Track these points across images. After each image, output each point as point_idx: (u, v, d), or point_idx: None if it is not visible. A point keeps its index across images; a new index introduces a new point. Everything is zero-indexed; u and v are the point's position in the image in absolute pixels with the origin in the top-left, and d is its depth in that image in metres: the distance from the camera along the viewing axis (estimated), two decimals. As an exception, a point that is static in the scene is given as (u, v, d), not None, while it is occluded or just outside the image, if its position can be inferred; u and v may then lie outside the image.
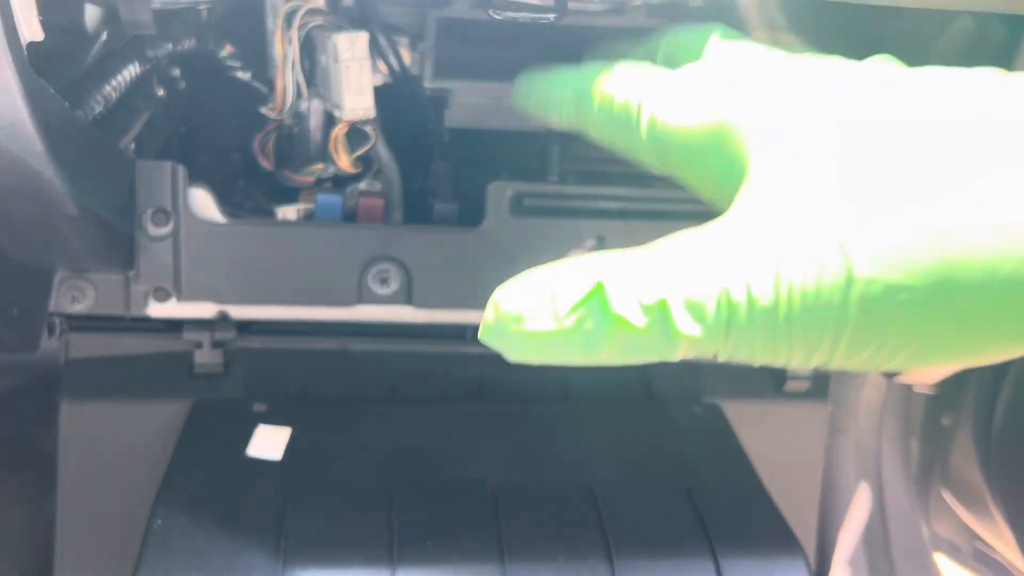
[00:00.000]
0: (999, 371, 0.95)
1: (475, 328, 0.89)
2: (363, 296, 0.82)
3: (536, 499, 0.75)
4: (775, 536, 0.74)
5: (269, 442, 0.78)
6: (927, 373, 0.94)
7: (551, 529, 0.72)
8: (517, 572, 0.67)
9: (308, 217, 0.87)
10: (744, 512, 0.76)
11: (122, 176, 0.76)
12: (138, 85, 0.78)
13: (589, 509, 0.74)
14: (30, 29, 0.56)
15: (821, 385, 0.95)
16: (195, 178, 0.82)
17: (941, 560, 1.23)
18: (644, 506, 0.75)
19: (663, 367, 0.91)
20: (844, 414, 1.06)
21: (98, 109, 0.74)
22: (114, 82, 0.75)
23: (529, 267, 0.82)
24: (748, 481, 0.81)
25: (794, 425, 0.94)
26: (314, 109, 0.88)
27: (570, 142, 0.90)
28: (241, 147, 0.92)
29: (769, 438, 0.93)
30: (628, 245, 0.82)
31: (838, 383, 1.04)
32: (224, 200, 0.85)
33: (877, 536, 1.05)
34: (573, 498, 0.75)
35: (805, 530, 0.95)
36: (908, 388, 1.07)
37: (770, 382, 0.95)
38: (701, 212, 0.82)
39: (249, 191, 0.91)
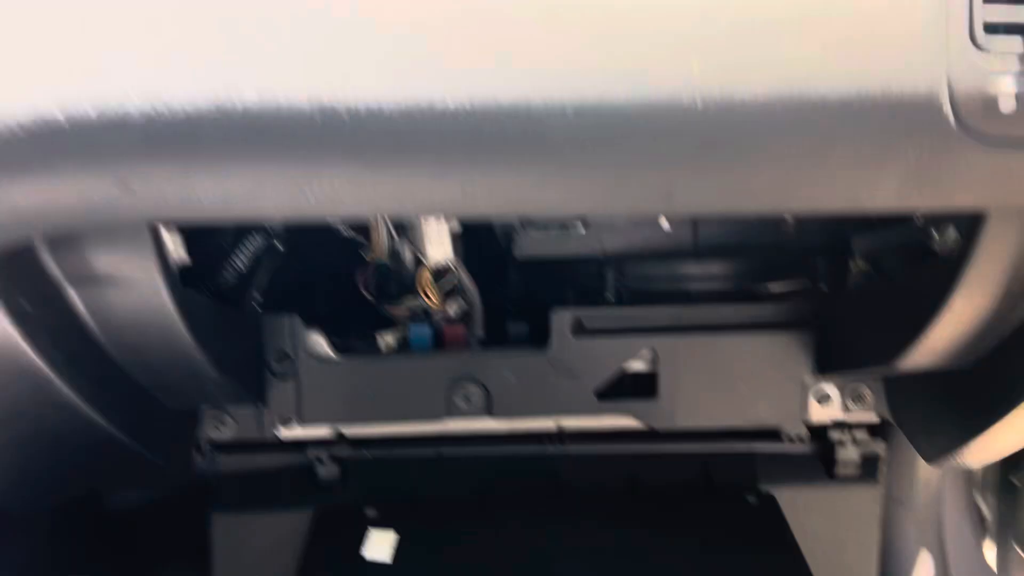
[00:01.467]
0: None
1: (548, 433, 1.03)
2: (450, 411, 0.96)
3: (605, 591, 0.87)
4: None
5: (379, 545, 0.94)
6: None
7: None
8: None
9: (403, 341, 1.02)
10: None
11: (251, 331, 0.93)
12: (262, 246, 0.95)
13: (652, 600, 0.85)
14: (178, 255, 0.73)
15: (870, 468, 1.03)
16: (312, 314, 0.99)
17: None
18: (701, 595, 0.86)
19: (723, 459, 1.02)
20: (903, 487, 1.13)
21: (231, 279, 0.92)
22: (242, 256, 0.92)
23: (591, 380, 0.95)
24: (796, 569, 0.90)
25: (846, 506, 1.02)
26: (406, 252, 1.04)
27: (624, 264, 1.02)
28: (348, 286, 1.09)
29: (823, 520, 1.02)
30: (677, 358, 0.95)
31: (895, 459, 1.12)
32: (335, 329, 1.02)
33: (942, 602, 1.12)
34: (640, 589, 0.87)
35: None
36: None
37: (821, 468, 1.04)
38: (744, 323, 0.93)
39: (356, 321, 1.07)
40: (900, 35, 0.51)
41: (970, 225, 0.67)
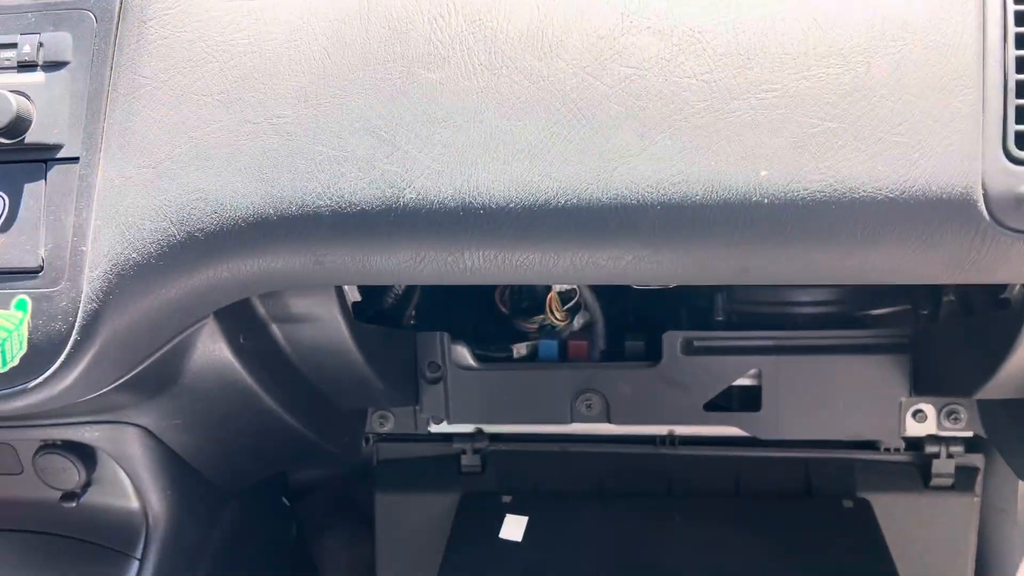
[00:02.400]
0: None
1: (662, 436, 1.15)
2: (574, 417, 1.11)
3: (707, 579, 1.00)
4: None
5: (513, 528, 1.10)
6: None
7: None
8: None
9: (534, 353, 1.17)
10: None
11: (408, 345, 1.11)
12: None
13: (748, 592, 0.98)
14: (353, 295, 0.91)
15: (967, 478, 1.10)
16: (456, 325, 1.16)
17: None
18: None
19: (822, 466, 1.12)
20: (1005, 496, 1.18)
21: (391, 301, 1.10)
22: (400, 285, 1.10)
23: (700, 393, 1.07)
24: (885, 570, 1.00)
25: (941, 515, 1.10)
26: (535, 274, 1.19)
27: (734, 289, 1.13)
28: (487, 304, 1.25)
29: (916, 527, 1.10)
30: (780, 376, 1.05)
31: (996, 469, 1.17)
32: (476, 339, 1.18)
33: (1045, 607, 1.17)
34: (737, 581, 0.99)
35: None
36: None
37: (918, 478, 1.11)
38: (843, 347, 1.02)
39: (494, 333, 1.23)
40: (943, 143, 0.61)
41: (1031, 283, 0.75)
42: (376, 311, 1.08)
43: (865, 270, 0.67)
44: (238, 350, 0.83)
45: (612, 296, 1.28)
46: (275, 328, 0.88)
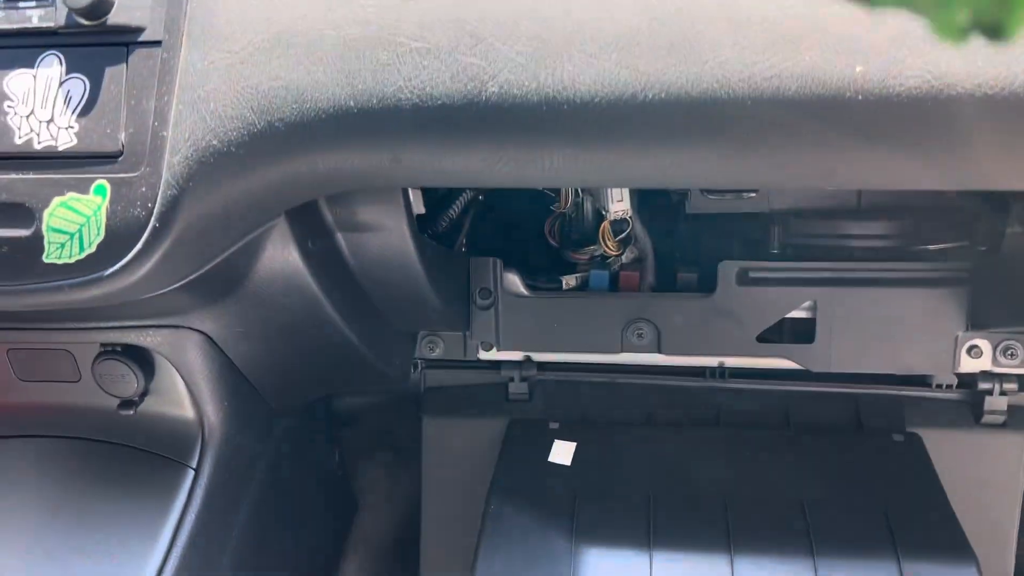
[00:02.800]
0: None
1: (712, 368, 1.15)
2: (624, 346, 1.11)
3: (757, 507, 1.00)
4: (953, 548, 0.93)
5: (562, 452, 1.11)
6: None
7: (768, 532, 0.96)
8: (740, 562, 0.94)
9: (584, 285, 1.17)
10: (928, 525, 0.96)
11: (461, 269, 1.11)
12: (470, 199, 1.12)
13: (799, 518, 0.98)
14: (418, 207, 0.91)
15: (1019, 417, 1.10)
16: (508, 257, 1.15)
17: None
18: (844, 518, 0.97)
19: (873, 401, 1.12)
20: (1054, 439, 1.18)
21: (445, 224, 1.10)
22: (455, 206, 1.09)
23: (753, 325, 1.06)
24: (937, 501, 0.99)
25: (991, 451, 1.10)
26: (588, 205, 1.18)
27: (789, 221, 1.12)
28: (538, 234, 1.24)
29: (966, 464, 1.10)
30: (835, 309, 1.04)
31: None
32: (526, 270, 1.18)
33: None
34: (787, 509, 0.99)
35: (1003, 544, 1.10)
36: None
37: (969, 415, 1.11)
38: (899, 280, 1.01)
39: (543, 264, 1.23)
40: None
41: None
42: (431, 234, 1.08)
43: (959, 174, 0.66)
44: (306, 255, 0.83)
45: (663, 229, 1.27)
46: (340, 237, 0.88)
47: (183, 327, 0.90)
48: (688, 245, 1.24)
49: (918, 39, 0.61)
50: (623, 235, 1.17)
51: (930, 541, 0.94)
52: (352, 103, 0.68)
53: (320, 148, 0.70)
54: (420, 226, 1.02)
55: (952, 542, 0.94)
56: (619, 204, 1.12)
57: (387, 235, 0.87)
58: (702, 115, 0.65)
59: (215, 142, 0.68)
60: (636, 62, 0.65)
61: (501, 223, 1.29)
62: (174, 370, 0.94)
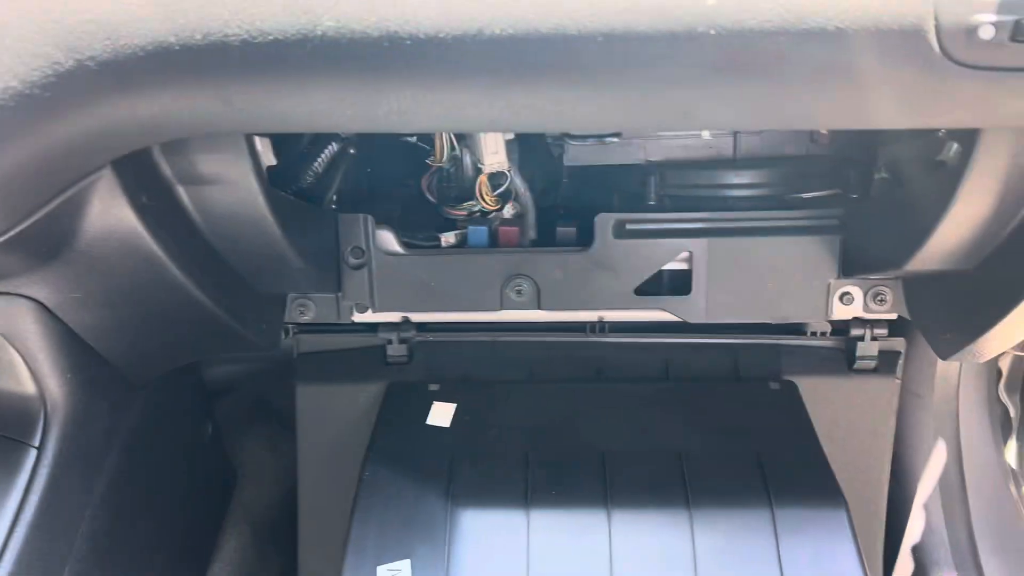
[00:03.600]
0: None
1: (592, 323, 1.14)
2: (504, 303, 1.08)
3: (635, 460, 0.99)
4: (824, 491, 0.94)
5: (441, 415, 1.07)
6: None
7: (644, 484, 0.96)
8: (617, 516, 0.93)
9: (463, 242, 1.13)
10: (800, 471, 0.97)
11: (329, 227, 1.05)
12: (337, 151, 1.07)
13: (675, 469, 0.97)
14: (268, 158, 0.85)
15: (889, 362, 1.12)
16: (381, 214, 1.10)
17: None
18: (719, 467, 0.98)
19: (750, 350, 1.12)
20: (922, 381, 1.21)
21: (310, 180, 1.04)
22: (319, 160, 1.03)
23: (631, 278, 1.05)
24: (809, 446, 1.01)
25: (863, 397, 1.12)
26: (466, 159, 1.14)
27: (666, 172, 1.10)
28: (414, 190, 1.19)
29: (839, 409, 1.11)
30: (711, 259, 1.04)
31: (915, 355, 1.20)
32: (403, 228, 1.13)
33: (954, 485, 1.21)
34: (664, 460, 0.99)
35: (875, 484, 1.13)
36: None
37: (843, 361, 1.13)
38: (774, 228, 1.01)
39: (421, 222, 1.18)
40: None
41: (969, 140, 0.74)
42: (294, 191, 1.02)
43: (813, 111, 0.64)
44: (141, 210, 0.76)
45: (544, 183, 1.24)
46: (182, 191, 0.81)
47: (12, 294, 0.82)
48: (570, 199, 1.21)
49: (770, -30, 0.59)
50: (501, 189, 1.13)
51: (802, 487, 0.95)
52: (173, 39, 0.62)
53: (140, 90, 0.64)
54: (281, 181, 0.96)
55: (823, 487, 0.95)
56: (494, 156, 1.08)
57: (233, 188, 0.81)
58: (553, 51, 0.61)
59: (15, 84, 0.61)
60: (482, -4, 0.61)
61: (376, 179, 1.24)
62: (7, 342, 0.86)
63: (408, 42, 0.61)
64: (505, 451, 1.02)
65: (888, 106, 0.62)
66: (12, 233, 0.69)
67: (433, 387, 1.12)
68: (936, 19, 0.58)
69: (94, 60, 0.61)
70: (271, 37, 0.62)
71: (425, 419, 1.07)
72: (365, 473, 1.00)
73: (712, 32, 0.60)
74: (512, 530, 0.92)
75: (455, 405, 1.08)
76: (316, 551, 1.16)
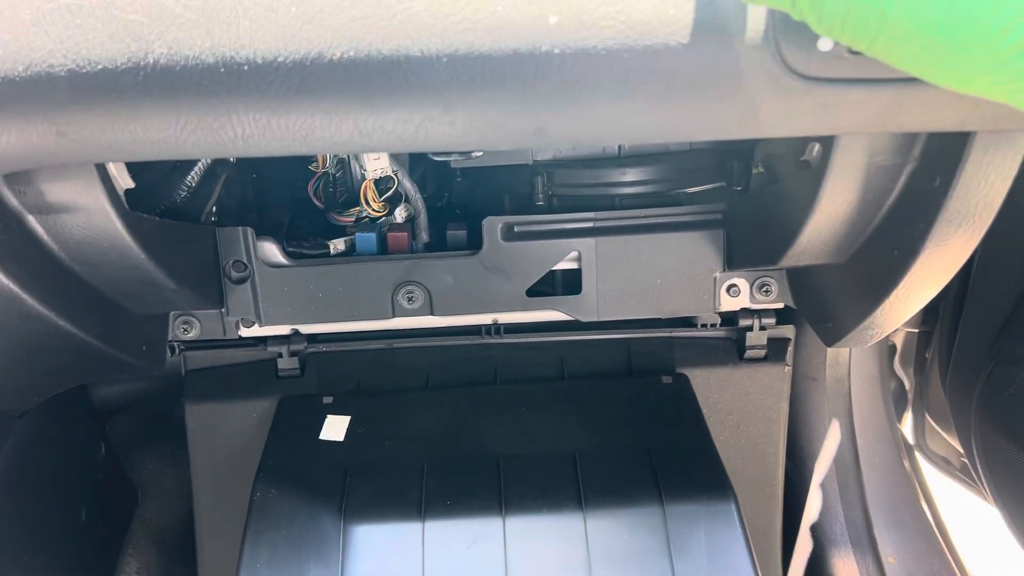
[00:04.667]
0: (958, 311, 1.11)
1: (487, 326, 1.13)
2: (396, 311, 1.06)
3: (530, 464, 0.99)
4: (713, 484, 0.96)
5: (335, 428, 1.05)
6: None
7: (539, 488, 0.96)
8: (512, 522, 0.92)
9: (352, 247, 1.11)
10: (690, 464, 0.98)
11: (207, 242, 1.02)
12: (211, 163, 1.03)
13: (569, 470, 0.98)
14: (124, 181, 0.81)
15: (778, 349, 1.14)
16: (268, 223, 1.07)
17: (933, 474, 1.41)
18: (612, 465, 0.98)
19: (643, 345, 1.13)
20: (815, 366, 1.24)
21: (184, 194, 1.00)
22: (192, 173, 1.00)
23: (522, 280, 1.04)
24: (699, 438, 1.02)
25: (754, 384, 1.14)
26: (354, 163, 1.11)
27: (554, 172, 1.10)
28: (299, 196, 1.16)
29: (732, 398, 1.13)
30: (599, 258, 1.04)
31: (806, 340, 1.23)
32: (291, 236, 1.10)
33: (848, 462, 1.25)
34: (558, 462, 0.99)
35: (771, 469, 1.16)
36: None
37: (734, 352, 1.14)
38: (660, 225, 1.01)
39: (311, 228, 1.15)
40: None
41: (828, 141, 0.75)
42: (167, 206, 0.98)
43: (662, 125, 0.64)
44: None
45: (438, 183, 1.22)
46: (33, 220, 0.77)
47: None
48: (463, 198, 1.20)
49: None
50: (389, 193, 1.11)
51: (691, 480, 0.96)
52: (-7, 71, 0.58)
53: (-38, 124, 0.60)
54: (145, 202, 0.93)
55: (712, 480, 0.96)
56: (376, 162, 1.06)
57: (87, 215, 0.77)
58: (398, 74, 0.60)
59: None
60: (319, 16, 0.59)
61: (259, 188, 1.21)
62: None
63: (246, 67, 0.59)
64: (401, 462, 1.01)
65: (733, 118, 0.62)
66: None
67: (327, 400, 1.10)
68: (775, 32, 0.58)
69: (-95, 95, 0.58)
70: (100, 66, 0.59)
71: (319, 433, 1.05)
72: (256, 493, 0.98)
73: (556, 51, 0.59)
74: (407, 544, 0.91)
75: (349, 417, 1.07)
76: (215, 570, 1.14)
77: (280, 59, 0.59)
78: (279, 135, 0.64)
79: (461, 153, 0.99)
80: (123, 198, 0.80)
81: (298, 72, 0.59)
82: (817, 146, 0.81)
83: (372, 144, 0.65)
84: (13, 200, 0.75)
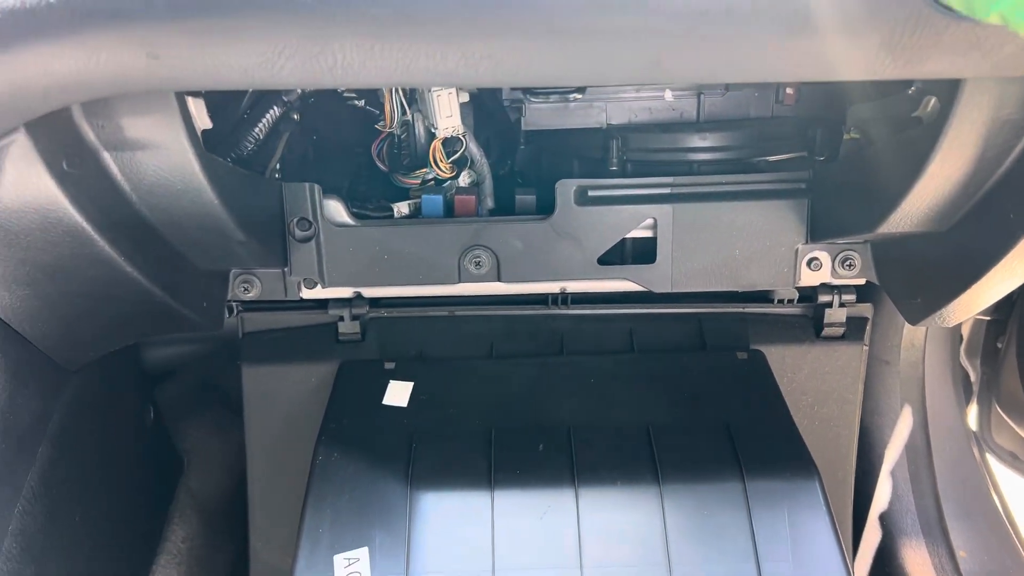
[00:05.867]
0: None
1: (554, 295, 1.09)
2: (462, 276, 1.03)
3: (602, 436, 0.95)
4: (796, 461, 0.91)
5: (398, 393, 1.02)
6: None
7: (612, 460, 0.92)
8: (585, 495, 0.89)
9: (417, 212, 1.07)
10: (771, 441, 0.94)
11: (273, 197, 0.99)
12: (279, 116, 1.00)
13: (644, 443, 0.94)
14: (202, 121, 0.78)
15: (857, 328, 1.10)
16: (329, 184, 1.04)
17: (1000, 468, 1.36)
18: (688, 439, 0.94)
19: (716, 320, 1.09)
20: (890, 348, 1.19)
21: (251, 147, 0.97)
22: (260, 124, 0.97)
23: (594, 247, 1.00)
24: (779, 415, 0.98)
25: (831, 363, 1.09)
26: (419, 125, 1.08)
27: (629, 136, 1.06)
28: (364, 158, 1.13)
29: (807, 377, 1.09)
30: (676, 226, 1.00)
31: (883, 321, 1.18)
32: (352, 198, 1.07)
33: (920, 451, 1.20)
34: (632, 434, 0.95)
35: (844, 452, 1.11)
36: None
37: (810, 329, 1.10)
38: (740, 193, 0.97)
39: (372, 192, 1.12)
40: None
41: (948, 94, 0.70)
42: (234, 158, 0.95)
43: (794, 62, 0.60)
44: (61, 178, 0.69)
45: (501, 150, 1.18)
46: (108, 157, 0.74)
47: (-80, 274, 0.75)
48: (528, 166, 1.16)
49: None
50: (456, 156, 1.08)
51: (773, 457, 0.92)
52: (89, -17, 0.55)
53: (52, 40, 0.57)
54: (218, 146, 0.90)
55: (794, 457, 0.92)
56: (448, 120, 1.02)
57: (165, 154, 0.74)
58: (513, -3, 0.56)
59: (-97, 31, 0.54)
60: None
61: (322, 147, 1.17)
62: (-81, 326, 0.78)
63: (352, -14, 0.56)
64: (466, 430, 0.97)
65: (870, 54, 0.58)
66: (-88, 204, 0.62)
67: (389, 365, 1.06)
68: (924, -40, 0.54)
69: (-4, 6, 0.55)
70: (200, -19, 0.56)
71: (381, 399, 1.02)
72: (318, 457, 0.94)
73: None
74: (476, 512, 0.88)
75: (412, 384, 1.03)
76: (268, 540, 1.11)
77: (389, -23, 0.56)
78: (380, 63, 0.60)
79: (561, 93, 0.95)
80: (200, 139, 0.77)
81: (407, -7, 0.56)
82: (933, 100, 0.76)
83: (477, 76, 0.61)
84: (91, 134, 0.72)
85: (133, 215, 0.79)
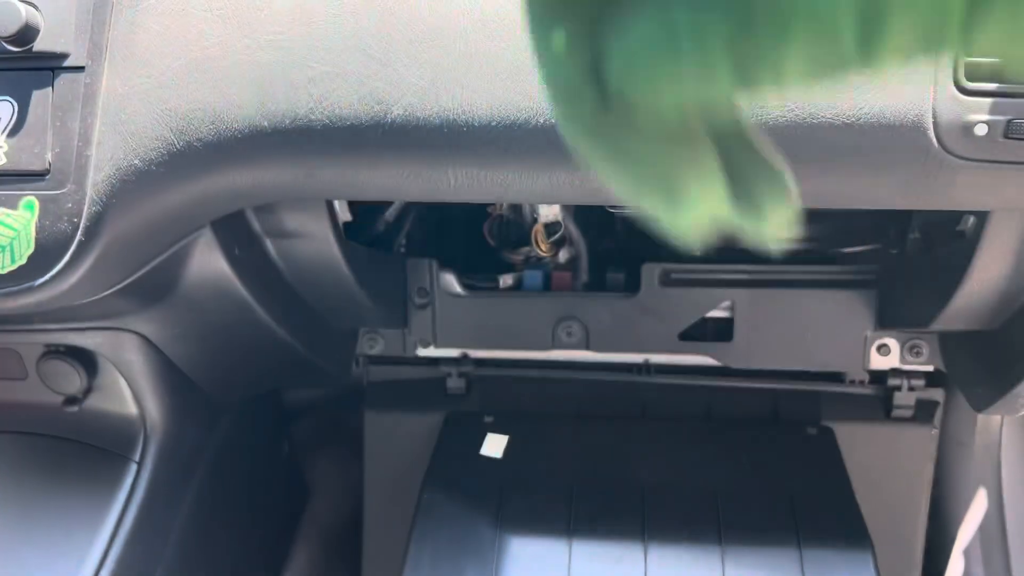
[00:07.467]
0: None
1: (638, 365, 1.21)
2: (555, 343, 1.16)
3: (673, 496, 1.06)
4: (852, 534, 0.99)
5: (494, 445, 1.16)
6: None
7: (680, 519, 1.02)
8: (653, 549, 0.99)
9: (520, 284, 1.22)
10: (830, 513, 1.02)
11: (398, 269, 1.16)
12: (407, 203, 1.17)
13: (710, 506, 1.04)
14: (344, 215, 0.96)
15: (927, 411, 1.16)
16: (446, 256, 1.20)
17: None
18: (752, 507, 1.03)
19: (789, 395, 1.18)
20: (964, 430, 1.24)
21: (382, 228, 1.14)
22: (391, 209, 1.14)
23: (676, 323, 1.12)
24: (841, 493, 1.05)
25: (900, 444, 1.16)
26: (525, 207, 1.23)
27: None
28: (476, 235, 1.29)
29: (876, 455, 1.16)
30: (752, 308, 1.10)
31: (957, 404, 1.23)
32: (465, 269, 1.23)
33: (994, 532, 1.23)
34: (700, 497, 1.05)
35: (911, 528, 1.17)
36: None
37: (880, 409, 1.17)
38: (813, 282, 1.07)
39: (482, 264, 1.27)
40: (897, 74, 0.65)
41: (982, 214, 0.79)
42: (369, 237, 1.12)
43: (821, 193, 0.71)
44: (233, 261, 0.87)
45: (598, 230, 1.32)
46: (268, 243, 0.92)
47: (122, 329, 0.94)
48: (621, 244, 1.29)
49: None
50: (555, 236, 1.22)
51: (831, 528, 1.00)
52: (266, 123, 0.72)
53: (237, 165, 0.75)
54: (356, 230, 1.07)
55: (851, 529, 1.00)
56: (548, 209, 1.17)
57: (313, 241, 0.91)
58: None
59: (136, 161, 0.72)
60: (528, 89, 0.70)
61: (442, 223, 1.34)
62: (115, 369, 0.98)
63: (464, 129, 0.71)
64: (552, 482, 1.10)
65: (892, 191, 0.68)
66: (126, 282, 0.81)
67: (488, 419, 1.21)
68: (934, 117, 0.64)
69: (200, 141, 0.73)
70: (348, 123, 0.72)
71: (479, 449, 1.16)
72: (423, 496, 1.09)
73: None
74: (555, 558, 1.00)
75: (507, 437, 1.17)
76: (379, 565, 1.26)
77: (494, 124, 0.70)
78: (485, 186, 0.75)
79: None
80: (342, 229, 0.95)
81: (507, 135, 0.71)
82: (972, 218, 0.85)
83: (561, 196, 0.76)
84: (256, 225, 0.91)
85: (285, 288, 0.97)
